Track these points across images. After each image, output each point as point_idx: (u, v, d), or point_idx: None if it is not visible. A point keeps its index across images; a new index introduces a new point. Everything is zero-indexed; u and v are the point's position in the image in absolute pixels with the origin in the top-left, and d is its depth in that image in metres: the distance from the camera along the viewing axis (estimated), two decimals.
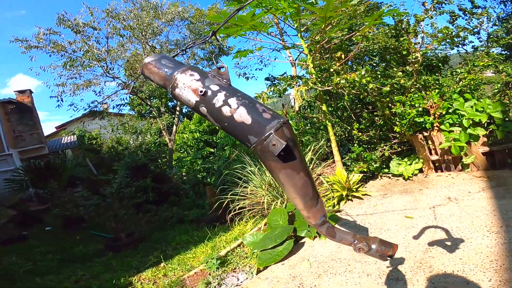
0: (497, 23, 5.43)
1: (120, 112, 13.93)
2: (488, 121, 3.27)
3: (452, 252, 2.13)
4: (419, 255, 2.23)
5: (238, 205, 4.15)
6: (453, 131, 3.37)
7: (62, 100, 11.01)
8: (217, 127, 0.93)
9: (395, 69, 3.95)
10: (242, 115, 0.81)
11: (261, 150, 0.78)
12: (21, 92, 14.49)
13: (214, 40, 11.21)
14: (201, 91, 0.88)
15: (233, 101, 0.85)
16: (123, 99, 12.75)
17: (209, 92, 0.88)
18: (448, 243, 2.27)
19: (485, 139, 3.42)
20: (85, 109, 11.52)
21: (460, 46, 4.49)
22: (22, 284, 3.85)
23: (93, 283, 3.58)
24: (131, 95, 13.06)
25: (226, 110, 0.84)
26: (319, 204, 0.90)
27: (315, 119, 4.98)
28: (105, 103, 12.96)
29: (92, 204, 6.14)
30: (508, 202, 2.65)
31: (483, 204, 2.73)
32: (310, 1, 3.53)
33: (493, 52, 4.07)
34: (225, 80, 0.94)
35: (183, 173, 9.90)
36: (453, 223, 2.54)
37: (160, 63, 1.01)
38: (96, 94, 11.50)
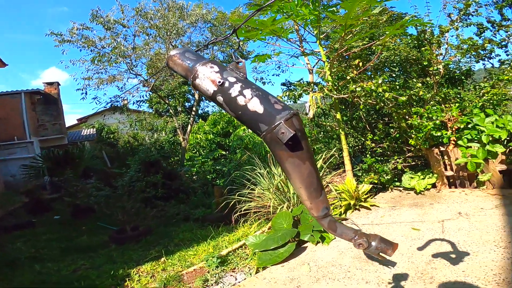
0: None
1: (139, 108, 14.35)
2: (508, 138, 3.17)
3: (456, 265, 2.11)
4: (421, 266, 2.20)
5: (244, 206, 4.17)
6: (470, 147, 3.29)
7: (86, 93, 11.41)
8: (231, 116, 1.02)
9: (414, 80, 3.89)
10: (255, 105, 0.86)
11: (271, 138, 0.82)
12: (49, 84, 15.19)
13: (235, 44, 11.44)
14: (219, 82, 0.94)
15: (247, 92, 0.90)
16: (143, 96, 13.16)
17: (227, 83, 0.93)
18: (453, 256, 2.24)
19: (503, 157, 3.31)
20: (107, 103, 11.89)
21: (486, 59, 4.33)
22: (21, 271, 3.89)
23: (91, 273, 3.60)
24: (150, 93, 13.44)
25: (240, 100, 0.89)
26: (322, 196, 0.91)
27: (328, 127, 4.97)
28: (125, 99, 13.39)
29: (103, 195, 6.30)
30: None
31: (495, 220, 2.66)
32: (332, 9, 3.56)
33: None
34: (242, 74, 1.00)
35: (194, 173, 10.03)
36: (461, 237, 2.51)
37: (184, 55, 1.08)
38: (119, 90, 11.90)
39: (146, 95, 13.50)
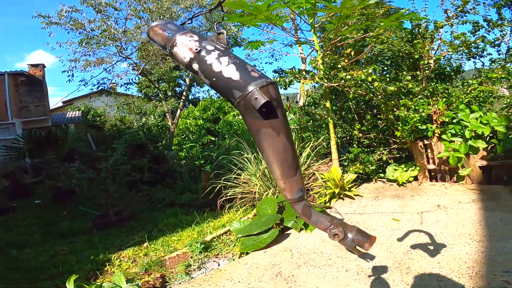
0: None
1: (127, 91, 14.03)
2: (491, 135, 3.23)
3: (432, 256, 2.14)
4: (399, 256, 2.24)
5: (230, 192, 4.15)
6: (454, 141, 3.34)
7: (73, 75, 11.13)
8: (206, 84, 1.00)
9: (405, 73, 3.89)
10: (230, 71, 0.82)
11: (244, 105, 0.78)
12: (34, 65, 14.87)
13: (229, 30, 11.21)
14: (196, 49, 0.90)
15: (224, 59, 0.86)
16: (132, 79, 12.85)
17: (204, 51, 0.89)
18: (430, 247, 2.28)
19: (485, 153, 3.39)
20: (94, 85, 11.63)
21: (477, 57, 4.34)
22: None
23: (70, 258, 3.54)
24: (140, 76, 13.13)
25: (216, 66, 0.85)
26: (297, 176, 0.85)
27: (317, 116, 4.97)
28: (113, 83, 13.05)
29: (85, 178, 6.12)
30: (496, 214, 2.65)
31: (471, 214, 2.72)
32: None
33: (510, 66, 3.92)
34: (222, 44, 0.97)
35: (181, 157, 9.93)
36: (438, 229, 2.55)
37: (166, 26, 1.06)
38: (106, 71, 11.57)
39: (135, 78, 13.22)
